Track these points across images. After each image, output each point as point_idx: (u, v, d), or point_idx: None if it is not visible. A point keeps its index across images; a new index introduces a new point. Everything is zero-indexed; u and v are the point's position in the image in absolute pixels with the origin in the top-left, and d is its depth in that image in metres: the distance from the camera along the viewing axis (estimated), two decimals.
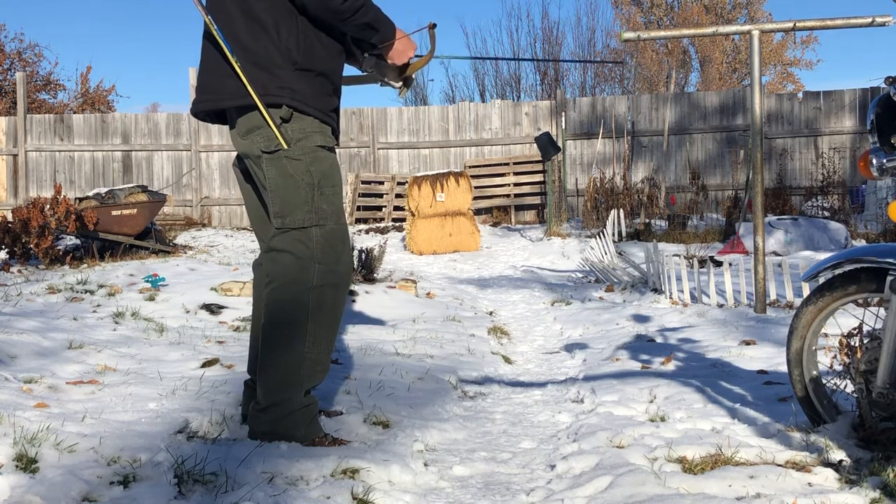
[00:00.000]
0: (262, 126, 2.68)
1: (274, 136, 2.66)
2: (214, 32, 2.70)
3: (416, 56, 3.01)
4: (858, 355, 2.53)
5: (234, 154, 2.99)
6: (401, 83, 3.03)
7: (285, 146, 2.66)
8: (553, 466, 2.66)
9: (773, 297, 5.58)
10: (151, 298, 5.56)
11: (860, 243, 9.67)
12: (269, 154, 2.69)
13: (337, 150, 2.88)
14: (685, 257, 7.90)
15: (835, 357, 2.67)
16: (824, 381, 2.69)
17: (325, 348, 2.73)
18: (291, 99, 2.67)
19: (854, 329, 2.58)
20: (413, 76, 3.05)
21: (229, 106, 2.74)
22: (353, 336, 4.74)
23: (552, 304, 6.70)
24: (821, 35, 31.64)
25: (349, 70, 3.05)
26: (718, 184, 14.84)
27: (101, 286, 5.95)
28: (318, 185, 2.71)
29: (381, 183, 15.24)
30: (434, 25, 3.08)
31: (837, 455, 2.44)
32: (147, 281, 5.99)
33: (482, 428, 3.22)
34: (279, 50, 2.67)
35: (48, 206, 9.03)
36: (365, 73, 3.08)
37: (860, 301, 2.65)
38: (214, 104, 2.78)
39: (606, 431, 2.87)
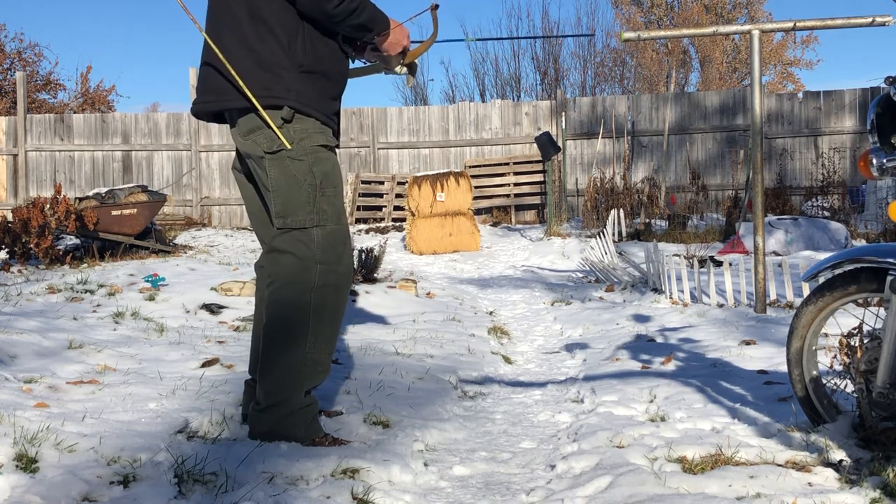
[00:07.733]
0: (263, 126, 2.68)
1: (276, 136, 2.66)
2: (204, 34, 2.70)
3: (416, 42, 2.99)
4: (858, 355, 2.53)
5: (235, 154, 2.99)
6: (405, 70, 3.01)
7: (288, 146, 2.66)
8: (553, 466, 2.66)
9: (773, 296, 5.58)
10: (151, 298, 5.56)
11: (860, 243, 9.67)
12: (272, 154, 2.69)
13: (337, 151, 2.88)
14: (685, 257, 7.90)
15: (835, 357, 2.67)
16: (824, 381, 2.69)
17: (326, 349, 2.74)
18: (296, 101, 2.67)
19: (854, 329, 2.58)
20: (416, 62, 3.03)
21: (233, 108, 2.74)
22: (353, 336, 4.74)
23: (552, 304, 6.70)
24: (821, 35, 31.65)
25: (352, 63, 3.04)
26: (718, 184, 14.83)
27: (101, 286, 5.95)
28: (319, 186, 2.71)
29: (382, 183, 15.24)
30: (436, 7, 3.04)
31: (837, 455, 2.44)
32: (147, 281, 5.99)
33: (482, 428, 3.22)
34: (285, 52, 2.68)
35: (48, 206, 9.04)
36: (369, 64, 3.07)
37: (860, 301, 2.65)
38: (218, 105, 2.78)
39: (606, 431, 2.87)
